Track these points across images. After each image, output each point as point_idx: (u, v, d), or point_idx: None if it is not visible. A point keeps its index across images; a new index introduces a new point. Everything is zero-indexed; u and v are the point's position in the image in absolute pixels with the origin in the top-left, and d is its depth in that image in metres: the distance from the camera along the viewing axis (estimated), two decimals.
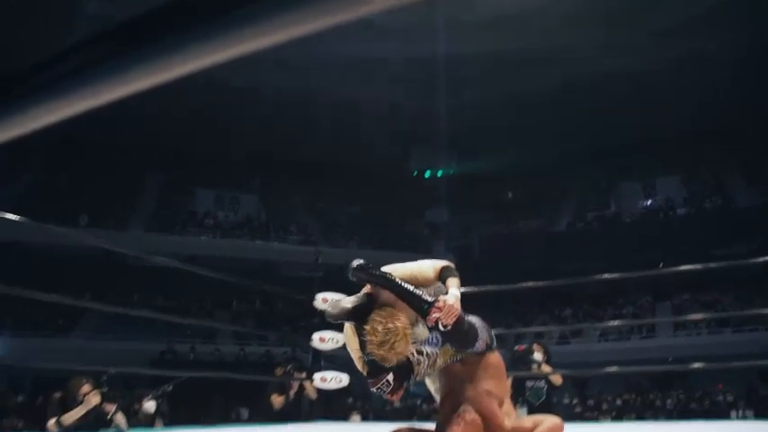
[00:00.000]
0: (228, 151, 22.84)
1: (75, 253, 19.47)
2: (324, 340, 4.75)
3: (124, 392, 5.67)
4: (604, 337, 22.11)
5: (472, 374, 2.60)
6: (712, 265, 6.94)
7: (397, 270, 2.53)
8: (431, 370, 2.47)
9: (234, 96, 20.00)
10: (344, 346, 2.69)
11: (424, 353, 2.40)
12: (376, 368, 2.30)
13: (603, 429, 3.99)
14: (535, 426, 2.58)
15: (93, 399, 3.82)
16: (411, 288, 2.35)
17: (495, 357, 2.76)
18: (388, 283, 2.36)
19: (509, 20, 17.56)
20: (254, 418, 7.86)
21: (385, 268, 2.50)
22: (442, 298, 2.34)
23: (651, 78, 19.88)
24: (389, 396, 2.38)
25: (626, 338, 21.66)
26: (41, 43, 12.37)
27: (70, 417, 3.76)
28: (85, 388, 3.83)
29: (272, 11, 0.48)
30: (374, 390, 2.32)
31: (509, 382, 2.87)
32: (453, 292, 2.44)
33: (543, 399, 5.39)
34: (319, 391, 5.46)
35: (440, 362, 2.49)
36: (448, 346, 2.51)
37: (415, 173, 27.26)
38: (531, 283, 6.01)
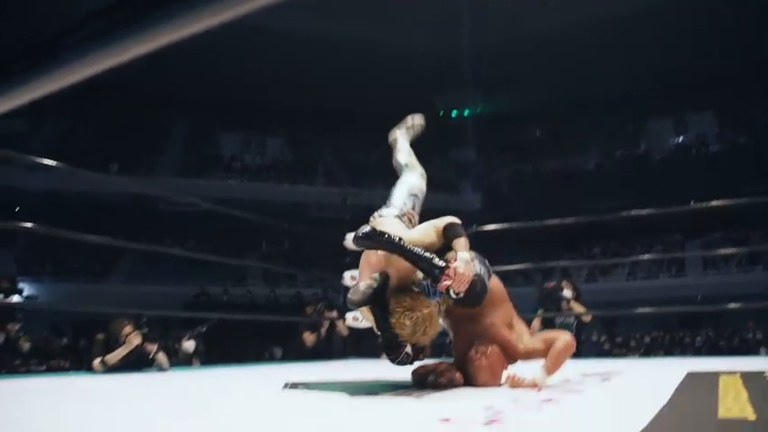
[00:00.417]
0: (254, 95, 22.74)
1: (107, 200, 19.85)
2: (355, 278, 4.72)
3: (162, 333, 5.85)
4: (633, 276, 22.05)
5: (474, 310, 2.62)
6: (743, 201, 6.81)
7: (404, 234, 2.46)
8: (438, 317, 2.48)
9: (259, 42, 19.83)
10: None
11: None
12: (393, 343, 2.30)
13: (632, 364, 4.05)
14: (548, 346, 2.63)
15: (135, 339, 3.96)
16: (420, 252, 2.28)
17: (493, 283, 2.75)
18: (397, 248, 2.29)
19: None
20: (288, 357, 8.08)
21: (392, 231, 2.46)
22: (452, 265, 2.24)
23: (681, 14, 19.20)
24: (410, 364, 2.44)
25: (655, 277, 21.59)
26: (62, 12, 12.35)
27: (113, 357, 3.90)
28: (127, 329, 3.97)
29: None
30: (395, 363, 2.35)
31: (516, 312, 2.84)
32: (462, 256, 2.31)
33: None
34: (351, 329, 5.57)
35: (442, 308, 2.52)
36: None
37: (441, 113, 26.95)
38: (558, 220, 5.96)
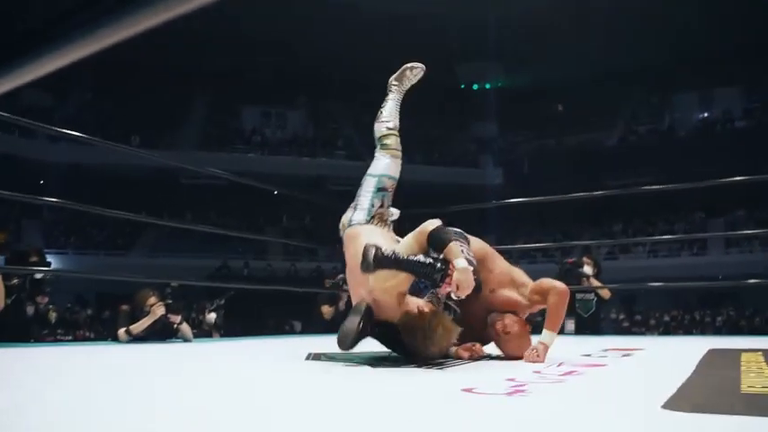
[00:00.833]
0: (274, 69, 22.70)
1: (129, 173, 20.02)
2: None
3: (185, 306, 5.94)
4: (654, 254, 21.89)
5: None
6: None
7: (398, 245, 2.43)
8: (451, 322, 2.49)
9: (281, 14, 19.73)
10: None
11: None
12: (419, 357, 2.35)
13: (652, 341, 4.05)
14: (545, 296, 2.66)
15: (158, 310, 4.02)
16: (421, 260, 2.24)
17: (476, 247, 2.74)
18: (401, 265, 2.24)
19: None
20: (307, 330, 8.17)
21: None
22: (453, 276, 2.22)
23: None
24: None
25: (676, 255, 21.41)
26: None
27: (138, 327, 3.97)
28: (152, 300, 4.03)
29: None
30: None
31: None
32: (459, 265, 2.24)
33: (592, 311, 5.43)
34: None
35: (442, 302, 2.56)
36: None
37: (463, 86, 26.73)
38: (579, 194, 5.92)
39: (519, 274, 2.82)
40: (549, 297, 2.65)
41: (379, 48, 22.06)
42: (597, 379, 1.93)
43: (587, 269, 5.40)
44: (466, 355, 2.60)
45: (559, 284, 2.68)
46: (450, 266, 2.23)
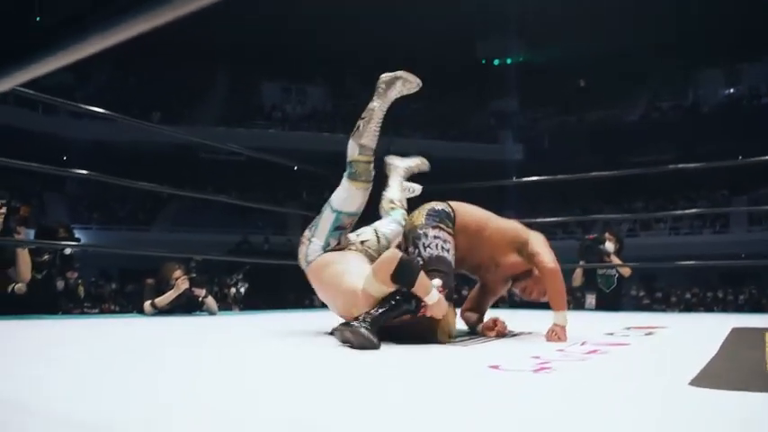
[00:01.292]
0: (295, 44, 22.61)
1: (150, 150, 20.16)
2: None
3: (208, 279, 6.01)
4: (675, 231, 21.70)
5: (475, 264, 2.82)
6: None
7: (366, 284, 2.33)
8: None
9: None
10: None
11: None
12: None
13: (674, 319, 4.04)
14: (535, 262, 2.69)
15: (183, 284, 4.08)
16: (393, 304, 2.18)
17: (468, 219, 2.75)
18: (379, 320, 2.16)
19: None
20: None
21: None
22: (430, 311, 2.21)
23: None
24: None
25: (698, 232, 21.21)
26: None
27: (163, 300, 4.04)
28: (177, 273, 4.09)
29: None
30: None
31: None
32: (431, 300, 2.20)
33: (614, 286, 5.42)
34: None
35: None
36: None
37: (484, 61, 26.47)
38: (600, 173, 5.87)
39: (516, 233, 2.78)
40: (544, 281, 2.67)
41: (400, 23, 21.90)
42: (621, 357, 1.94)
43: (609, 245, 5.36)
44: (492, 333, 2.63)
45: (548, 264, 2.63)
46: (422, 303, 2.21)
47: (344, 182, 2.77)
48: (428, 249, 2.50)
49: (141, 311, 4.09)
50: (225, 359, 1.85)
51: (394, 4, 20.73)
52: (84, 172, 3.77)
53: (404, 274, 2.18)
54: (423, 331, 2.28)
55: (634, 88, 24.79)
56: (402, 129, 23.25)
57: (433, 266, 2.45)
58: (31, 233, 4.25)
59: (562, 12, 20.63)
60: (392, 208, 3.04)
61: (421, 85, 2.97)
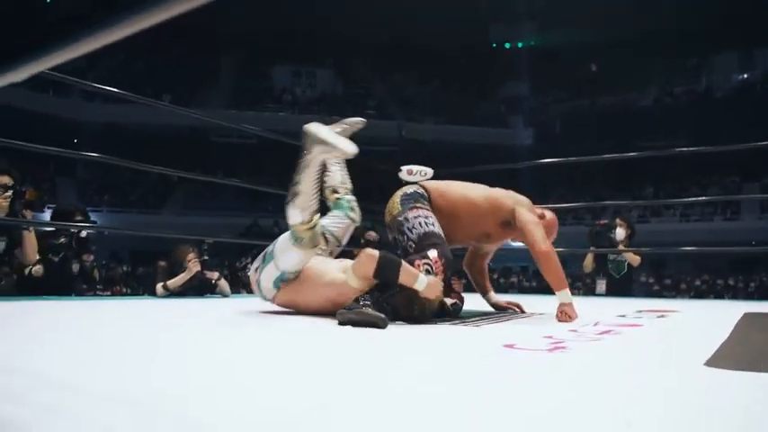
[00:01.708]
0: (304, 28, 22.55)
1: (161, 133, 20.20)
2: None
3: (219, 262, 6.04)
4: (686, 218, 21.59)
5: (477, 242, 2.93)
6: None
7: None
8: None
9: None
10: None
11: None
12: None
13: (685, 304, 4.03)
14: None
15: (194, 266, 4.10)
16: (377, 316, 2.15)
17: (453, 198, 2.79)
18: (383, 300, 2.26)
19: None
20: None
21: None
22: (426, 295, 2.25)
23: None
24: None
25: (708, 219, 21.09)
26: None
27: (175, 282, 4.06)
28: (190, 256, 4.12)
29: None
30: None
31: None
32: (421, 285, 2.23)
33: (624, 272, 5.40)
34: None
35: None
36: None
37: (495, 45, 26.31)
38: (611, 155, 5.83)
39: (498, 204, 2.80)
40: (536, 261, 2.72)
41: (411, 7, 21.78)
42: (635, 338, 1.94)
43: (620, 231, 5.33)
44: (515, 308, 2.78)
45: (539, 247, 2.65)
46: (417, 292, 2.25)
47: (291, 246, 2.53)
48: (414, 231, 2.52)
49: (153, 294, 4.12)
50: (250, 339, 1.87)
51: None
52: (97, 155, 3.79)
53: (385, 270, 2.23)
54: (406, 299, 2.29)
55: (646, 73, 24.59)
56: (413, 113, 23.21)
57: (427, 242, 2.48)
58: (46, 216, 4.28)
59: None
60: (337, 199, 2.85)
61: (354, 154, 2.54)
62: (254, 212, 19.96)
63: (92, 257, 4.14)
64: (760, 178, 20.29)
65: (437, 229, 2.56)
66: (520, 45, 26.53)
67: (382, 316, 2.06)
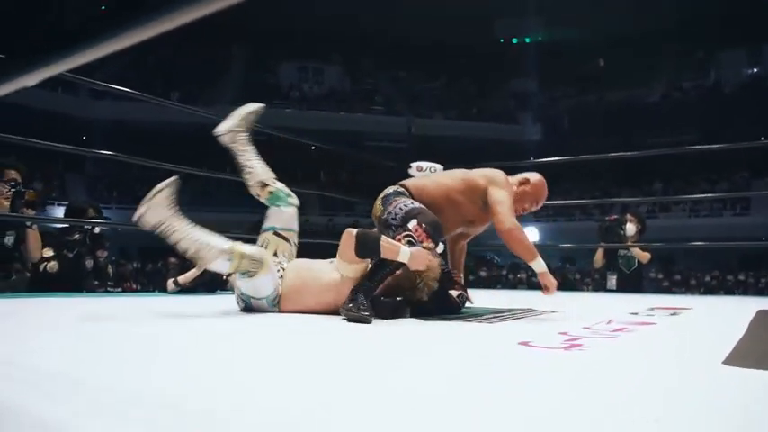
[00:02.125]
0: (310, 24, 22.56)
1: (170, 130, 20.26)
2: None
3: None
4: (695, 213, 21.50)
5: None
6: None
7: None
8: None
9: None
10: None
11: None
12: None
13: (697, 301, 4.02)
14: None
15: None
16: (376, 270, 2.28)
17: (436, 190, 2.78)
18: (378, 284, 2.32)
19: None
20: None
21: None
22: (415, 267, 2.29)
23: None
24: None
25: (718, 215, 21.00)
26: None
27: (186, 277, 4.07)
28: None
29: None
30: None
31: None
32: (404, 257, 2.24)
33: (635, 267, 5.39)
34: None
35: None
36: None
37: (502, 40, 26.24)
38: (620, 153, 5.82)
39: (473, 186, 2.80)
40: (504, 238, 2.72)
41: (418, 2, 21.74)
42: (650, 336, 1.94)
43: (630, 227, 5.31)
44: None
45: (502, 225, 2.67)
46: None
47: (252, 279, 2.37)
48: (398, 216, 2.51)
49: (164, 290, 4.14)
50: (256, 337, 1.88)
51: None
52: (108, 152, 3.81)
53: (365, 246, 2.24)
54: (408, 288, 2.34)
55: (655, 68, 24.49)
56: (421, 109, 23.19)
57: (407, 218, 2.47)
58: (58, 212, 4.31)
59: None
60: (270, 192, 2.75)
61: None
62: (261, 209, 19.94)
63: (106, 253, 4.17)
64: None
65: (417, 205, 2.57)
66: (527, 40, 26.46)
67: (366, 315, 2.10)
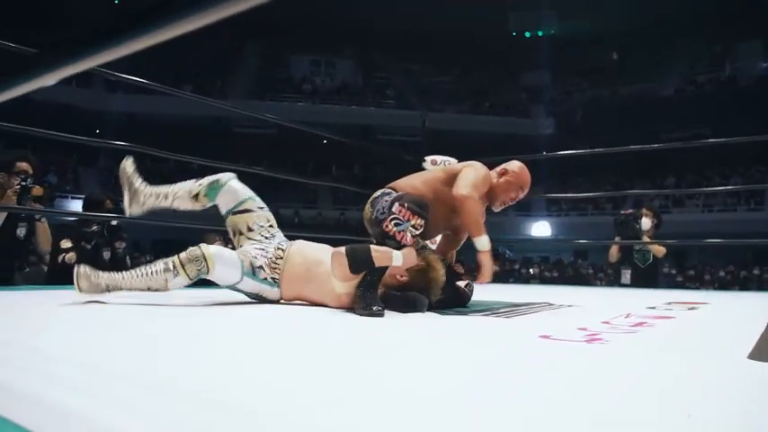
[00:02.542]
0: (322, 17, 22.54)
1: (183, 123, 20.33)
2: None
3: None
4: (708, 208, 21.36)
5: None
6: None
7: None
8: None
9: None
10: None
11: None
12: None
13: (712, 296, 4.00)
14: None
15: None
16: (370, 282, 2.25)
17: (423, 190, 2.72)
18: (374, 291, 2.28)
19: None
20: None
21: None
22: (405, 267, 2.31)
23: None
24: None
25: (731, 210, 20.84)
26: None
27: None
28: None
29: None
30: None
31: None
32: (397, 262, 2.25)
33: (650, 262, 5.35)
34: None
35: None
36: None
37: (515, 33, 26.11)
38: (633, 146, 5.79)
39: (450, 175, 2.76)
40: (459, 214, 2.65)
41: None
42: (670, 330, 1.93)
43: (646, 221, 5.27)
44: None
45: (457, 190, 2.60)
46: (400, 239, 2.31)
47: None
48: (384, 209, 2.43)
49: None
50: (268, 329, 1.88)
51: None
52: (123, 143, 3.82)
53: (358, 261, 2.22)
54: (422, 290, 2.35)
55: (669, 61, 24.28)
56: (434, 103, 23.13)
57: (393, 203, 2.43)
58: (73, 205, 4.33)
59: None
60: (204, 196, 2.67)
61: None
62: (274, 202, 20.05)
63: (124, 244, 4.20)
64: None
65: (399, 193, 2.54)
66: (540, 34, 26.31)
67: (377, 308, 2.13)
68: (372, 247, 2.27)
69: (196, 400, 0.87)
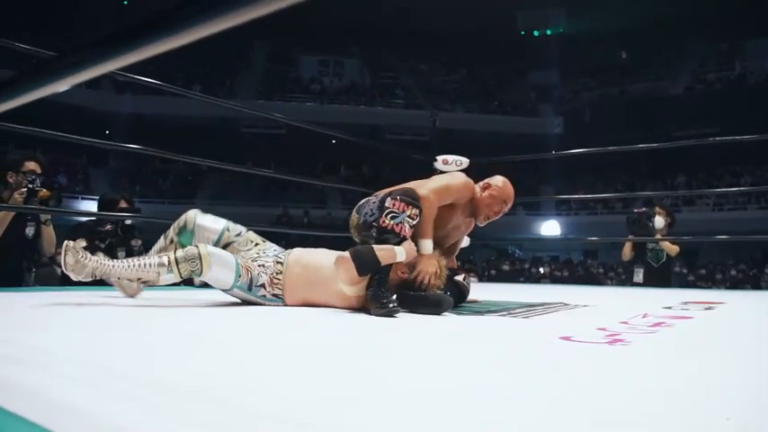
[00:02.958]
0: (330, 16, 22.55)
1: (191, 124, 20.41)
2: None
3: None
4: (719, 206, 21.24)
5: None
6: None
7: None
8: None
9: None
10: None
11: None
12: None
13: (726, 295, 3.96)
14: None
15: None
16: (380, 280, 2.26)
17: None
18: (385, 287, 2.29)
19: None
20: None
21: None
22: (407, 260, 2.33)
23: None
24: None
25: (742, 208, 20.73)
26: None
27: None
28: None
29: None
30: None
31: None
32: (400, 256, 2.27)
33: (663, 261, 5.32)
34: None
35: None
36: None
37: (523, 32, 26.05)
38: (642, 145, 5.75)
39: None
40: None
41: None
42: (690, 331, 1.91)
43: (659, 219, 5.23)
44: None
45: (419, 189, 2.52)
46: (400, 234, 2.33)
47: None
48: (374, 210, 2.43)
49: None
50: (277, 329, 1.87)
51: None
52: (134, 146, 3.82)
53: (364, 263, 2.22)
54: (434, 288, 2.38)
55: (678, 60, 24.17)
56: (442, 103, 23.10)
57: (383, 202, 2.41)
58: (84, 205, 4.34)
59: None
60: (180, 244, 2.56)
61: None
62: (283, 202, 20.12)
63: (140, 242, 4.20)
64: None
65: (387, 191, 2.52)
66: (549, 32, 26.23)
67: (392, 305, 2.14)
68: (375, 246, 2.27)
69: (196, 399, 0.86)
